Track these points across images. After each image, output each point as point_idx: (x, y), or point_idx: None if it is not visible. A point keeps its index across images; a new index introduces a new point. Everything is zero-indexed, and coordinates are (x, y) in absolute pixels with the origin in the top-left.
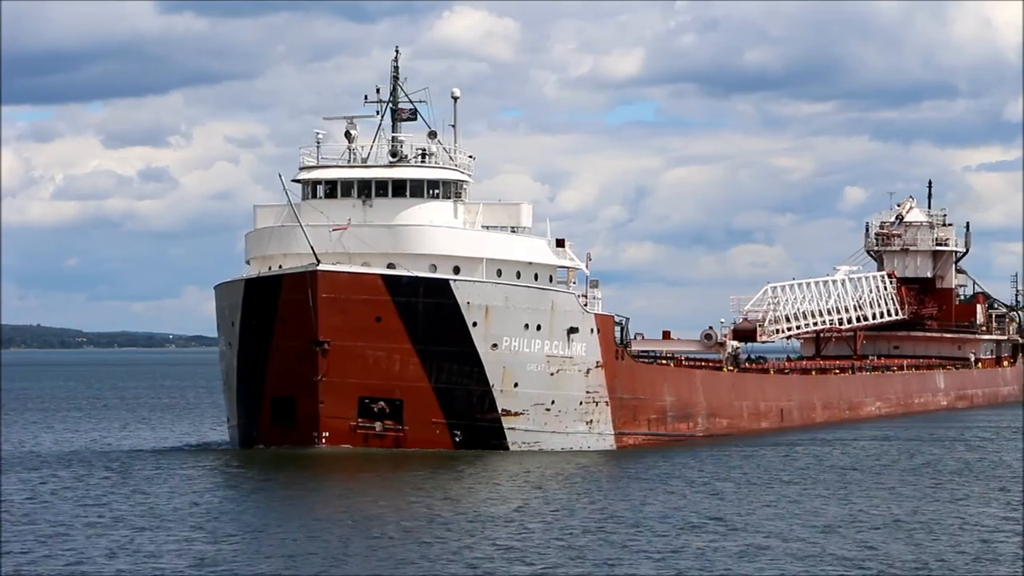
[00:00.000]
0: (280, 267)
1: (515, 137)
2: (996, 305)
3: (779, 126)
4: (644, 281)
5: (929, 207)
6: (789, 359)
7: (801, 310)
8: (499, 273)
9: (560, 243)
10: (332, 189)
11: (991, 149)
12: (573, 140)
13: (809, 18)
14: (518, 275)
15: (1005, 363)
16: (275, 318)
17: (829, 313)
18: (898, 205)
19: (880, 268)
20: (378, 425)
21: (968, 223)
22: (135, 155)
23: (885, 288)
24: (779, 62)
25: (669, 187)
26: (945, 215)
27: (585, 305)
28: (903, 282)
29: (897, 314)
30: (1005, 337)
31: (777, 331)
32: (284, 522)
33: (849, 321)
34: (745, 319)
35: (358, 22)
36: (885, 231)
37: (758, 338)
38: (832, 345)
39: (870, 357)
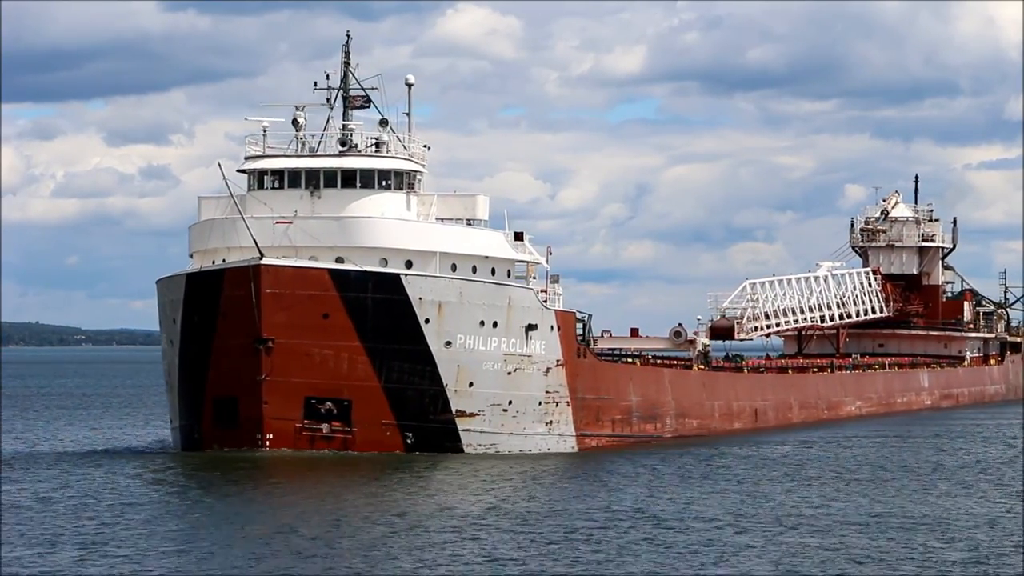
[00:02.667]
0: (224, 261)
1: (516, 135)
2: (984, 302)
3: (780, 124)
4: (644, 279)
5: (916, 202)
6: (769, 357)
7: (781, 307)
8: (454, 267)
9: (519, 236)
10: (279, 180)
11: (992, 147)
12: (574, 138)
13: (812, 16)
14: (474, 270)
15: (992, 361)
16: (217, 314)
17: (811, 310)
18: (883, 200)
19: (865, 264)
20: (325, 427)
21: (955, 218)
22: (137, 153)
23: (869, 285)
24: (781, 60)
25: (670, 185)
26: (932, 210)
27: (545, 301)
28: (888, 278)
29: (882, 311)
30: (993, 335)
31: (756, 328)
32: (193, 539)
33: (832, 319)
34: (723, 316)
35: (363, 20)
36: (870, 226)
37: (736, 336)
38: (815, 343)
39: (853, 355)
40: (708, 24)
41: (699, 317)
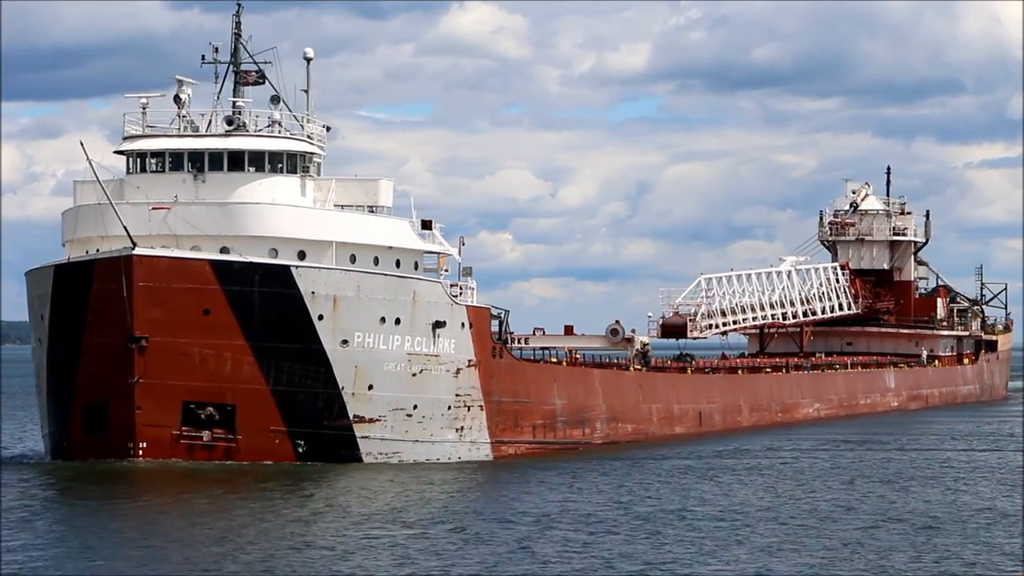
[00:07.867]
0: (97, 251)
1: (518, 133)
2: (959, 299)
3: (782, 123)
4: (644, 277)
5: (888, 194)
6: (725, 356)
7: (739, 304)
8: (352, 259)
9: (426, 225)
10: (160, 162)
11: (993, 145)
12: (575, 136)
13: (818, 15)
14: (376, 261)
15: (966, 360)
16: (87, 310)
17: (772, 307)
18: (853, 192)
19: (834, 259)
20: (206, 434)
21: (928, 211)
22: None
23: (837, 280)
24: (786, 59)
25: (670, 183)
26: (904, 203)
27: (456, 296)
28: (858, 274)
29: (850, 308)
30: (967, 333)
31: (711, 326)
32: None
33: (795, 316)
34: (676, 313)
35: (370, 18)
36: (839, 220)
37: (689, 334)
38: (777, 342)
39: (817, 354)
40: (714, 22)
41: (650, 314)
